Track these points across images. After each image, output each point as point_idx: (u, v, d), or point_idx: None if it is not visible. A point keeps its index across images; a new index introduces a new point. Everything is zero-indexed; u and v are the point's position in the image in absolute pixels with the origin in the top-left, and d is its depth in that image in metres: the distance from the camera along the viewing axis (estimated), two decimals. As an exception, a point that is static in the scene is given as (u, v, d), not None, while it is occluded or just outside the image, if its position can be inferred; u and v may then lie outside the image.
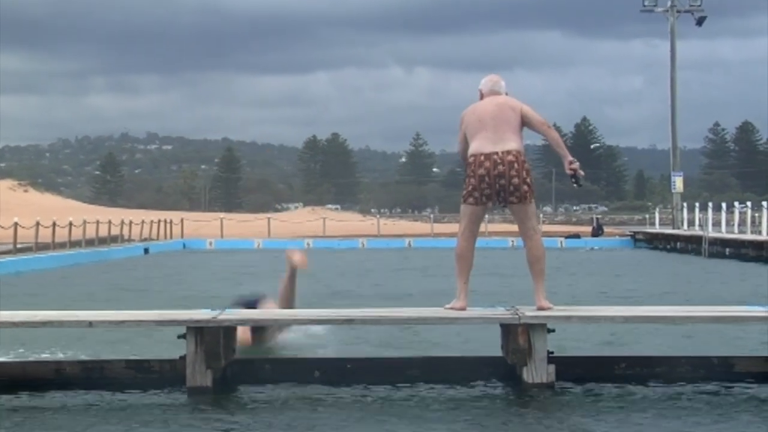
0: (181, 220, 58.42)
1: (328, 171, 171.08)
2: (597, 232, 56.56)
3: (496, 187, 8.95)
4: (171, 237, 55.24)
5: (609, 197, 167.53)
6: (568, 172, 9.10)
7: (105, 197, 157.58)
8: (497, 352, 9.06)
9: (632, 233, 53.60)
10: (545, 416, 7.89)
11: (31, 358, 9.81)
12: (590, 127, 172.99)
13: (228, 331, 8.79)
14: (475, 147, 9.06)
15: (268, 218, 59.43)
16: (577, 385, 8.75)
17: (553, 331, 8.73)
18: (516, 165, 8.95)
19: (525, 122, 9.12)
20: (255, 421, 7.71)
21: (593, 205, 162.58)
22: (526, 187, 8.98)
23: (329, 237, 59.55)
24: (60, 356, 10.07)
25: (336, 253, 43.77)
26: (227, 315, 8.90)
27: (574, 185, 9.12)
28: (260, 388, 8.74)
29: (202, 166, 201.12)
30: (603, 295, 19.38)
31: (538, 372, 8.52)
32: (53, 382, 8.83)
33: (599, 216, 75.08)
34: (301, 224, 66.34)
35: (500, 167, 8.93)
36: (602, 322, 9.21)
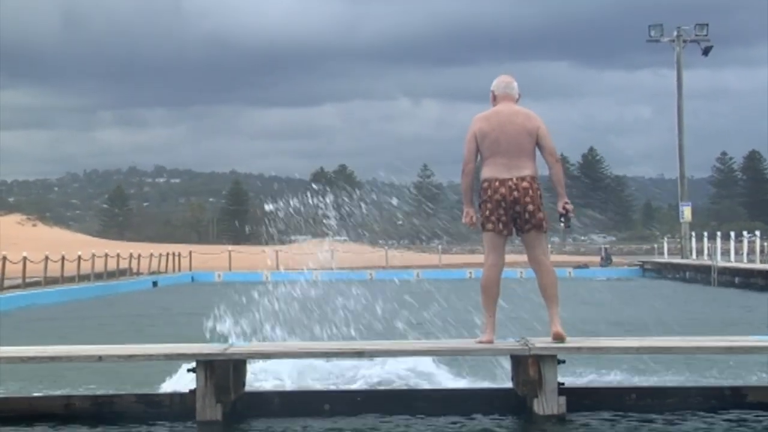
0: (189, 253, 58.42)
1: (335, 202, 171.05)
2: (605, 262, 56.50)
3: (512, 214, 8.88)
4: (179, 270, 55.25)
5: (617, 227, 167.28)
6: (561, 210, 9.06)
7: (113, 230, 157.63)
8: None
9: (641, 263, 53.54)
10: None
11: (40, 393, 9.77)
12: (597, 157, 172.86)
13: (238, 364, 8.77)
14: (489, 172, 8.97)
15: (276, 251, 59.35)
16: (589, 416, 8.69)
17: (563, 362, 8.69)
18: (530, 192, 8.90)
19: (540, 146, 9.01)
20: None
21: (601, 235, 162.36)
22: (541, 215, 8.93)
23: (337, 269, 59.42)
24: (71, 391, 10.03)
25: (345, 284, 43.70)
26: (237, 348, 8.87)
27: (562, 224, 9.09)
28: (270, 422, 8.70)
29: (210, 199, 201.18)
30: (612, 325, 19.34)
31: (548, 403, 8.47)
32: (62, 417, 8.80)
33: (607, 246, 74.93)
34: (310, 256, 66.20)
35: (515, 194, 8.87)
36: (613, 353, 9.18)
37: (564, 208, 8.99)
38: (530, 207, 8.88)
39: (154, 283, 44.58)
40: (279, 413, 8.88)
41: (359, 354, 8.81)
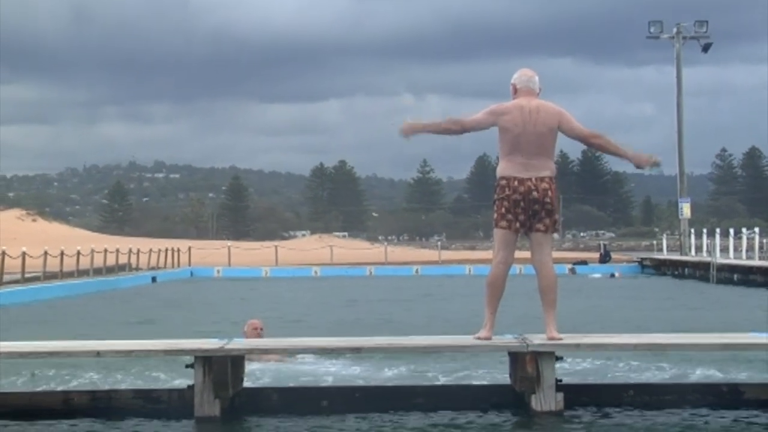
0: (189, 249, 58.44)
1: (336, 199, 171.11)
2: (604, 258, 56.43)
3: (529, 213, 8.82)
4: (179, 265, 55.22)
5: (616, 223, 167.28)
6: (645, 165, 9.01)
7: (113, 226, 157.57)
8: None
9: (640, 259, 53.55)
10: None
11: (39, 389, 9.78)
12: (597, 153, 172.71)
13: (236, 360, 8.77)
14: (508, 170, 8.86)
15: (276, 246, 59.38)
16: (586, 412, 8.69)
17: (562, 358, 8.70)
18: (549, 193, 8.83)
19: (568, 135, 8.89)
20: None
21: (600, 232, 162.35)
22: (556, 217, 8.90)
23: (337, 264, 59.52)
24: (72, 384, 10.03)
25: (344, 280, 43.76)
26: (235, 344, 8.88)
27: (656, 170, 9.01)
28: (268, 418, 8.70)
29: (210, 195, 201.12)
30: (609, 323, 19.37)
31: (546, 400, 8.47)
32: (61, 412, 8.80)
33: (606, 242, 74.92)
34: (309, 252, 66.28)
35: (534, 194, 8.78)
36: (611, 350, 9.19)
37: (653, 162, 8.94)
38: (548, 207, 8.83)
39: (153, 279, 44.55)
40: (277, 409, 8.88)
41: (356, 350, 8.82)
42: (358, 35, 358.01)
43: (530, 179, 8.81)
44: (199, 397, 8.50)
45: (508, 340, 8.99)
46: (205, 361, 8.52)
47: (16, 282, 33.10)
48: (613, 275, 45.02)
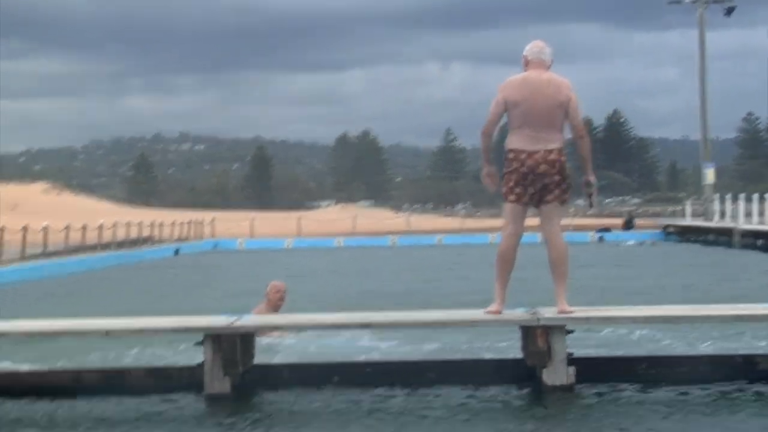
0: (212, 220, 58.51)
1: (360, 168, 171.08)
2: (628, 225, 56.13)
3: (538, 186, 8.78)
4: (202, 238, 55.39)
5: (641, 189, 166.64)
6: (584, 189, 8.96)
7: (138, 198, 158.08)
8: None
9: (663, 226, 53.27)
10: (564, 420, 7.81)
11: (49, 367, 9.80)
12: (621, 119, 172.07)
13: (245, 337, 8.76)
14: (516, 143, 8.83)
15: (299, 217, 59.44)
16: (598, 386, 8.64)
17: (573, 332, 8.64)
18: (557, 165, 8.78)
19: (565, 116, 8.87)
20: (272, 429, 7.67)
21: (626, 198, 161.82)
22: (565, 186, 8.85)
23: (360, 233, 59.65)
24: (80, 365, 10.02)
25: (366, 250, 43.75)
26: (244, 321, 8.86)
27: (587, 203, 8.99)
28: (279, 394, 8.69)
29: (234, 165, 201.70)
30: (627, 291, 19.31)
31: (557, 374, 8.43)
32: (71, 390, 8.81)
33: (631, 209, 74.63)
34: (332, 222, 66.34)
35: (543, 166, 8.75)
36: (622, 323, 9.14)
37: (588, 185, 8.90)
38: (556, 178, 8.78)
39: (176, 251, 44.62)
40: (288, 385, 8.86)
41: (366, 326, 8.78)
42: (382, 4, 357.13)
43: (539, 152, 8.77)
44: (209, 374, 8.51)
45: (519, 314, 8.94)
46: (215, 338, 8.51)
47: (38, 256, 33.28)
48: (640, 242, 44.64)
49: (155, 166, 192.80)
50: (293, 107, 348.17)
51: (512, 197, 8.87)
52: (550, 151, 8.77)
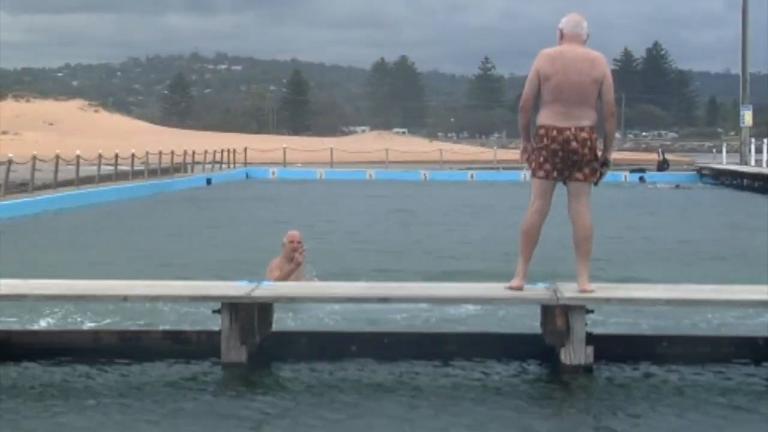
0: (245, 150, 58.27)
1: (396, 94, 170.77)
2: (662, 165, 55.54)
3: (569, 164, 8.65)
4: (234, 165, 55.42)
5: (679, 123, 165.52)
6: (600, 168, 8.82)
7: (174, 117, 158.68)
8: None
9: (698, 168, 52.79)
10: (581, 400, 7.80)
11: (69, 327, 9.84)
12: (662, 52, 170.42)
13: (263, 306, 8.74)
14: (547, 119, 8.68)
15: (331, 149, 59.35)
16: (617, 365, 8.59)
17: (593, 311, 8.58)
18: (589, 143, 8.65)
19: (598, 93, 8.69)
20: (287, 399, 7.69)
21: (663, 132, 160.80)
22: (595, 165, 8.72)
23: (393, 163, 59.68)
24: (99, 326, 10.06)
25: (397, 186, 43.76)
26: (262, 290, 8.83)
27: (594, 183, 8.88)
28: (295, 364, 8.67)
29: (271, 87, 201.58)
30: (649, 247, 19.22)
31: (576, 354, 8.39)
32: (90, 351, 8.84)
33: (665, 145, 73.92)
34: (367, 154, 66.20)
35: (574, 144, 8.61)
36: (643, 305, 9.07)
37: (601, 166, 8.77)
38: (587, 158, 8.66)
39: (209, 181, 44.76)
40: (305, 354, 8.84)
41: (384, 300, 8.75)
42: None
43: (570, 128, 8.63)
44: (226, 343, 8.51)
45: (539, 290, 8.88)
46: (232, 307, 8.50)
47: (70, 183, 33.39)
48: (676, 186, 44.21)
49: (191, 85, 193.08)
50: (331, 30, 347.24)
51: (541, 173, 8.76)
52: (582, 129, 8.64)
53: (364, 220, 25.68)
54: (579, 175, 8.71)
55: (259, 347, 8.71)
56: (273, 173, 52.34)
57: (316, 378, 8.30)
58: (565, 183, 8.79)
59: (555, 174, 8.72)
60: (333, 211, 28.76)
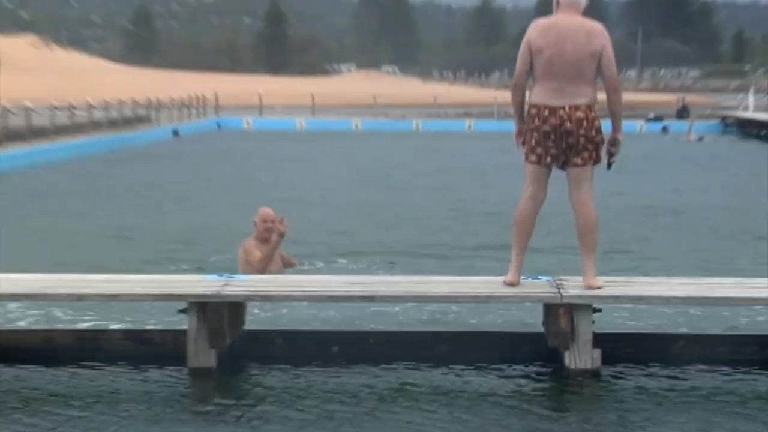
0: (215, 95, 57.58)
1: (386, 28, 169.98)
2: (682, 113, 55.42)
3: (563, 146, 8.58)
4: (205, 114, 54.95)
5: (701, 60, 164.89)
6: (609, 148, 8.78)
7: (137, 54, 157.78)
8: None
9: (721, 117, 52.64)
10: (587, 408, 7.81)
11: (19, 327, 9.87)
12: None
13: (234, 306, 8.74)
14: (539, 97, 8.60)
15: (312, 95, 58.94)
16: (627, 367, 8.61)
17: (600, 310, 8.59)
18: (585, 123, 8.55)
19: (597, 68, 8.59)
20: (260, 408, 7.70)
21: (683, 69, 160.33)
22: (592, 147, 8.63)
23: (382, 107, 59.39)
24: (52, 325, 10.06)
25: (386, 138, 43.57)
26: (233, 288, 8.81)
27: (607, 163, 8.84)
28: (270, 367, 8.64)
29: (245, 20, 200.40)
30: (657, 213, 19.31)
31: (581, 357, 8.40)
32: (43, 352, 8.86)
33: (687, 89, 73.79)
34: (352, 93, 65.95)
35: (567, 124, 8.53)
36: (655, 304, 9.07)
37: (611, 147, 8.74)
38: (583, 140, 8.58)
39: (175, 132, 44.01)
40: (281, 356, 8.85)
41: (369, 299, 8.77)
42: None
43: (563, 107, 8.54)
44: (193, 346, 8.50)
45: (541, 285, 8.85)
46: (200, 307, 8.50)
47: (21, 137, 33.04)
48: (700, 138, 43.99)
49: (156, 18, 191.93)
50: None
51: (533, 158, 8.70)
52: (577, 107, 8.54)
53: (349, 182, 25.62)
54: (577, 160, 8.64)
55: (230, 349, 8.73)
56: (248, 123, 51.84)
57: (294, 384, 8.29)
58: (563, 169, 8.75)
59: (548, 159, 8.64)
60: (314, 171, 28.59)
